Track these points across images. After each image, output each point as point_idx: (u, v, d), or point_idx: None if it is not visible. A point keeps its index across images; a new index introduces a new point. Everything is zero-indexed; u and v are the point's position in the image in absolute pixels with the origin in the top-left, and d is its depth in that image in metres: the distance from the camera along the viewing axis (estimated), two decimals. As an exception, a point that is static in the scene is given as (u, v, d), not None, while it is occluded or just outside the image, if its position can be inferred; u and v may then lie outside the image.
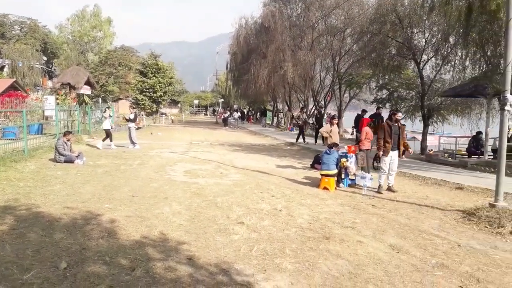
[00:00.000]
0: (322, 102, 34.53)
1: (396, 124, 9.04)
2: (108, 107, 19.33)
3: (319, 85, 34.34)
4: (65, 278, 4.00)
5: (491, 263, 4.85)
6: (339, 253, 4.99)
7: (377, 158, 9.07)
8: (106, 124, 16.29)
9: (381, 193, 8.80)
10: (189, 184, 8.95)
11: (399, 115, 9.21)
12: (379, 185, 9.03)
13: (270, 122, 45.68)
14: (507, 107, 6.98)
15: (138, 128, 17.35)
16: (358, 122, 15.51)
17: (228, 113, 42.02)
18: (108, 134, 16.05)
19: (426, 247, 5.34)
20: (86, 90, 24.64)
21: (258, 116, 51.36)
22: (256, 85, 32.06)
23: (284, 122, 38.45)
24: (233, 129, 34.80)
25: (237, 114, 40.86)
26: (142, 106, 35.84)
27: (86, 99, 25.30)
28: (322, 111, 16.40)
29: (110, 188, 8.29)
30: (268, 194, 8.23)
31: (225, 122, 39.34)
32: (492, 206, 6.92)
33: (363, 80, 27.42)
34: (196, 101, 71.40)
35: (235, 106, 57.54)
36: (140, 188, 8.39)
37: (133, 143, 16.20)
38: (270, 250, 4.99)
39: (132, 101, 37.97)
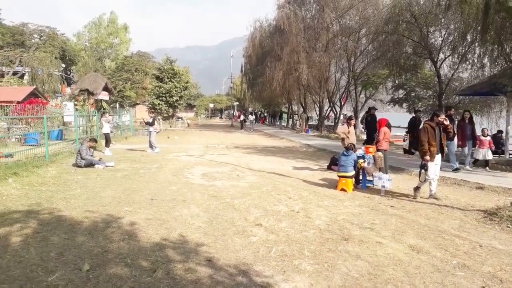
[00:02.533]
0: (338, 103, 34.38)
1: (437, 126, 8.16)
2: (107, 112, 19.55)
3: (334, 86, 34.20)
4: (88, 280, 4.09)
5: (514, 263, 4.77)
6: (358, 254, 4.97)
7: (424, 166, 8.01)
8: (106, 129, 16.39)
9: (438, 198, 8.15)
10: (206, 187, 9.03)
11: (442, 117, 8.15)
12: (433, 192, 8.28)
13: (285, 124, 45.67)
14: (528, 105, 6.86)
15: (157, 133, 17.53)
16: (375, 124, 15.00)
17: (243, 116, 42.16)
18: (107, 139, 16.13)
19: (447, 247, 5.27)
20: (104, 96, 25.08)
21: (273, 118, 51.36)
22: (271, 87, 32.13)
23: (300, 124, 38.38)
24: (249, 132, 34.89)
25: (252, 117, 40.94)
26: (159, 110, 36.21)
27: (104, 104, 25.75)
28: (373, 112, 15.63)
29: (129, 191, 8.43)
30: (285, 196, 8.23)
31: (241, 125, 39.50)
32: (514, 205, 6.80)
33: (379, 80, 27.24)
34: (211, 105, 71.80)
35: (250, 109, 57.66)
36: (159, 191, 8.50)
37: (151, 147, 16.40)
38: (288, 251, 5.00)
39: (149, 106, 38.39)
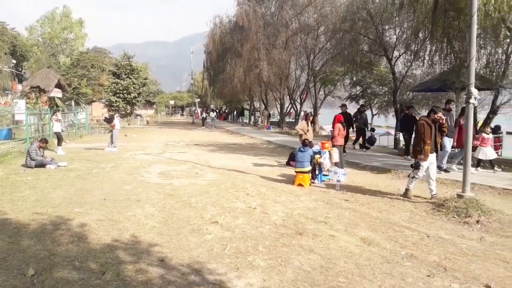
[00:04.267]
0: (298, 100, 34.79)
1: (433, 123, 7.69)
2: (58, 110, 18.86)
3: (295, 83, 34.57)
4: (32, 285, 3.92)
5: (458, 252, 5.00)
6: (311, 248, 5.05)
7: (417, 165, 7.67)
8: (57, 127, 15.77)
9: (408, 197, 7.90)
10: (163, 186, 8.87)
11: (440, 115, 7.70)
12: (434, 192, 7.86)
13: (247, 121, 45.74)
14: (472, 100, 7.20)
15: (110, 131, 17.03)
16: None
17: (204, 113, 41.81)
18: (59, 138, 15.53)
19: (397, 239, 5.46)
20: (56, 93, 24.09)
21: (235, 115, 51.30)
22: (232, 84, 32.03)
23: (261, 121, 38.56)
24: (210, 129, 34.66)
25: (213, 114, 40.69)
26: (116, 108, 35.23)
27: (58, 102, 24.73)
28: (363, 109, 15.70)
29: (81, 192, 8.13)
30: (243, 193, 8.23)
31: (203, 122, 39.15)
32: (460, 197, 7.13)
33: (337, 77, 27.80)
34: (172, 102, 70.69)
35: (212, 106, 57.31)
36: (113, 191, 8.26)
37: (111, 144, 15.99)
38: (243, 248, 5.00)
39: (106, 103, 37.29)
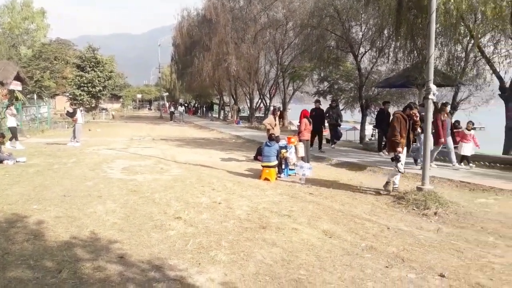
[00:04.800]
0: (268, 95, 34.89)
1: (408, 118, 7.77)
2: (12, 104, 18.11)
3: (264, 78, 34.63)
4: (-18, 286, 3.74)
5: (415, 243, 5.15)
6: (274, 241, 5.07)
7: (397, 158, 7.57)
8: (11, 122, 15.10)
9: (389, 191, 7.91)
10: (126, 182, 8.68)
11: (415, 111, 7.73)
12: (390, 181, 7.99)
13: (217, 115, 45.48)
14: (430, 96, 7.42)
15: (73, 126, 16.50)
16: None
17: (173, 107, 41.21)
18: (13, 133, 14.88)
19: (358, 231, 5.57)
20: (15, 86, 23.10)
21: (204, 110, 50.86)
22: (201, 78, 31.73)
23: (231, 115, 38.44)
24: (179, 124, 34.23)
25: (182, 108, 40.16)
26: (80, 101, 34.18)
27: (19, 95, 23.73)
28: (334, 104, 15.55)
29: (40, 188, 7.84)
30: (209, 188, 8.18)
31: (171, 116, 38.60)
32: (419, 189, 7.36)
33: (305, 73, 28.04)
34: (139, 95, 69.24)
35: (180, 100, 56.60)
36: (73, 187, 8.01)
37: (74, 139, 15.51)
38: (206, 243, 4.96)
39: (70, 96, 36.11)
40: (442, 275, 4.12)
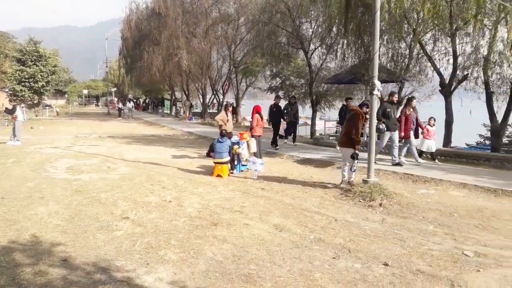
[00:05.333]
0: (221, 91, 34.69)
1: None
2: None
3: (217, 74, 34.37)
4: None
5: (361, 233, 5.34)
6: (225, 237, 5.06)
7: (357, 156, 7.68)
8: None
9: (352, 185, 7.85)
10: (70, 181, 8.29)
11: (366, 110, 8.03)
12: (345, 178, 8.12)
13: (168, 111, 44.59)
14: (375, 92, 7.69)
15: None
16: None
17: (121, 103, 39.88)
18: None
19: (307, 224, 5.68)
20: None
21: (154, 105, 49.70)
22: (151, 72, 30.87)
23: (183, 111, 37.84)
24: (127, 120, 33.21)
25: (130, 104, 38.96)
26: (21, 98, 32.22)
27: None
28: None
29: (-26, 191, 7.31)
30: (159, 186, 8.01)
31: (119, 112, 37.35)
32: (365, 182, 7.62)
33: (258, 69, 28.15)
34: (85, 91, 66.42)
35: (129, 96, 54.94)
36: (12, 188, 7.54)
37: (14, 137, 14.61)
38: (155, 243, 4.85)
39: (9, 92, 33.93)
40: (386, 264, 4.29)
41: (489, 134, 17.07)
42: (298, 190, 7.82)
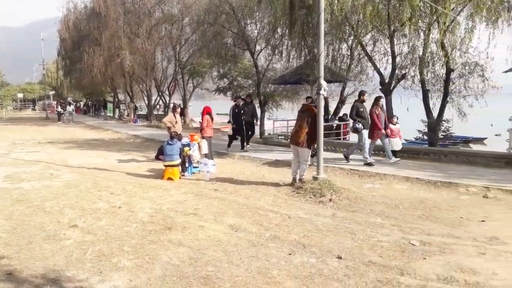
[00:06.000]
0: (167, 92, 34.03)
1: None
2: None
3: (162, 75, 33.68)
4: None
5: (314, 229, 5.50)
6: (180, 241, 5.00)
7: (314, 154, 8.01)
8: None
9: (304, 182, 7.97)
10: (10, 191, 7.78)
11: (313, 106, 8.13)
12: (305, 175, 8.23)
13: (111, 114, 43.00)
14: (321, 92, 7.94)
15: None
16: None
17: (60, 107, 37.86)
18: None
19: (262, 222, 5.76)
20: None
21: (96, 109, 47.70)
22: (92, 74, 29.56)
23: (127, 114, 36.68)
24: (67, 124, 31.59)
25: (71, 107, 37.13)
26: None
27: None
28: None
29: None
30: (106, 192, 7.73)
31: (59, 116, 35.44)
32: (315, 179, 7.84)
33: (204, 70, 27.96)
34: (20, 95, 62.35)
35: (69, 99, 52.34)
36: None
37: None
38: (107, 250, 4.69)
39: None
40: (339, 257, 4.46)
41: (426, 130, 18.20)
42: (251, 189, 7.88)
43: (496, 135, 25.27)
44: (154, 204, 6.82)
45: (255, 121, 14.30)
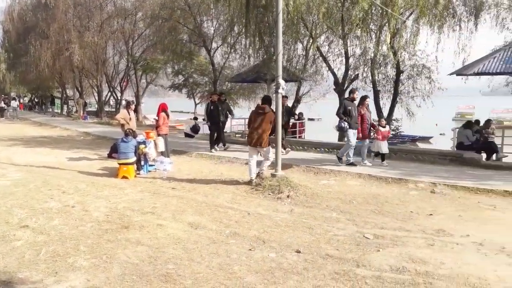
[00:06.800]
0: (118, 88, 33.03)
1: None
2: None
3: (114, 70, 32.65)
4: None
5: (273, 224, 5.61)
6: (138, 240, 4.92)
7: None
8: None
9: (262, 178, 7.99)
10: (-51, 191, 7.27)
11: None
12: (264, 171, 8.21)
13: (59, 110, 41.07)
14: (280, 90, 8.07)
15: None
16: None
17: (3, 102, 35.60)
18: None
19: (221, 219, 5.78)
20: None
21: (42, 104, 45.32)
22: (39, 68, 28.16)
23: (76, 110, 35.20)
24: (12, 121, 29.83)
25: (16, 103, 35.03)
26: None
27: None
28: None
29: None
30: (58, 191, 7.41)
31: (1, 113, 33.33)
32: (273, 176, 7.96)
33: (159, 66, 27.40)
34: (-44, 90, 58.02)
35: (12, 94, 49.37)
36: None
37: None
38: (61, 250, 4.52)
39: None
40: (298, 251, 4.58)
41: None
42: (210, 187, 7.87)
43: (441, 134, 26.83)
44: (109, 203, 6.64)
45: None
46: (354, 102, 10.01)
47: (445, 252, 4.56)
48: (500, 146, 12.44)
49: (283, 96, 14.33)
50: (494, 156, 11.79)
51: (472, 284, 3.77)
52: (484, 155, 11.34)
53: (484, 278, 3.87)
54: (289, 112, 12.33)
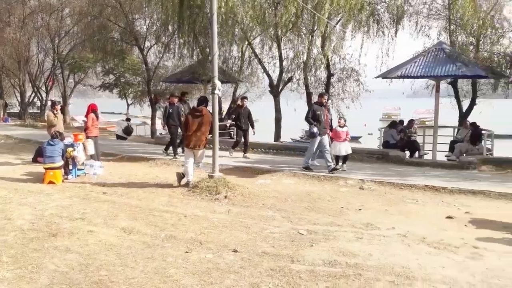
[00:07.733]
0: (44, 88, 30.97)
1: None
2: None
3: (38, 69, 30.54)
4: None
5: (211, 226, 5.61)
6: (68, 247, 4.68)
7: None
8: None
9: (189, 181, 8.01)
10: None
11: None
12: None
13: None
14: (216, 91, 8.07)
15: None
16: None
17: None
18: None
19: (157, 223, 5.67)
20: None
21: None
22: (-49, 66, 25.64)
23: (-5, 112, 32.46)
24: None
25: None
26: None
27: None
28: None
29: None
30: (-25, 199, 6.81)
31: None
32: (210, 177, 7.93)
33: (88, 64, 26.11)
34: None
35: None
36: None
37: None
38: (-20, 263, 4.17)
39: None
40: (235, 250, 4.64)
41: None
42: (144, 191, 7.66)
43: (368, 134, 28.34)
44: (34, 210, 6.23)
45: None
46: (323, 106, 9.63)
47: (373, 245, 4.86)
48: (421, 144, 13.50)
49: (242, 98, 14.45)
50: (416, 154, 12.77)
51: (397, 273, 4.06)
52: (407, 153, 12.22)
53: (408, 267, 4.19)
54: (249, 115, 11.93)
